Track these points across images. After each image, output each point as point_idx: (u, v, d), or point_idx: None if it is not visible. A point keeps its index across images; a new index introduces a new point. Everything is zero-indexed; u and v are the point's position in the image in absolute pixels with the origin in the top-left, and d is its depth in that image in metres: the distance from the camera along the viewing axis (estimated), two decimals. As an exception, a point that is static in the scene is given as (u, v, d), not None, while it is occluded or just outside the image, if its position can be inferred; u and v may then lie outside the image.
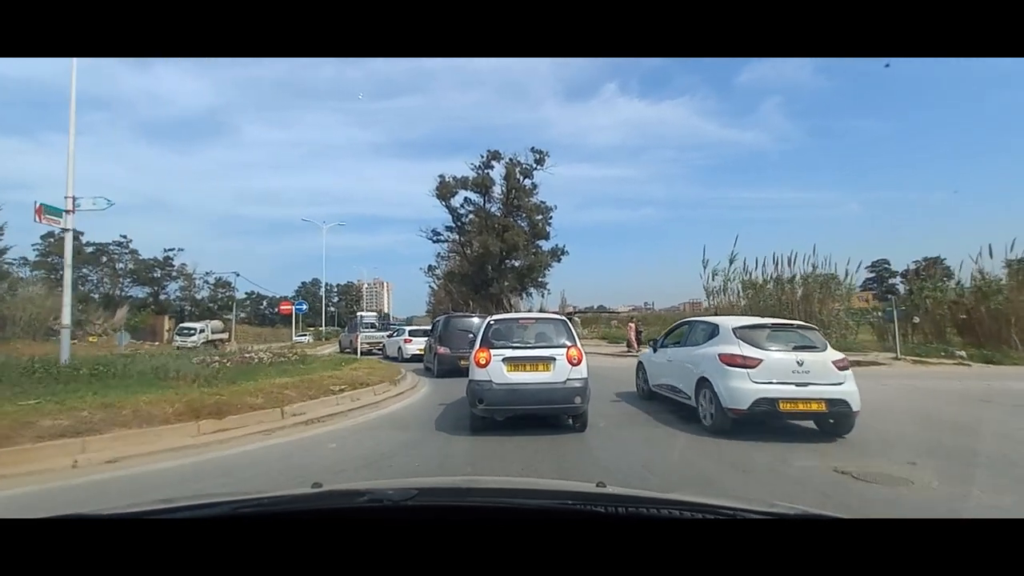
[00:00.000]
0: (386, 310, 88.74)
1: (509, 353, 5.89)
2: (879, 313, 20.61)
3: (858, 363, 15.08)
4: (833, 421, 5.68)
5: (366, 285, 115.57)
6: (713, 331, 6.38)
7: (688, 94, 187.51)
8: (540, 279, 32.33)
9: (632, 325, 22.52)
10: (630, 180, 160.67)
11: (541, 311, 27.26)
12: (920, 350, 16.38)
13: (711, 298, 22.19)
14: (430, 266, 36.72)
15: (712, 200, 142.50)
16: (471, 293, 31.87)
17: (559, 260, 32.63)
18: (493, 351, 5.90)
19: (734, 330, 6.02)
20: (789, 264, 20.42)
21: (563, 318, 6.82)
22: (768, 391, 5.48)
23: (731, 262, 21.62)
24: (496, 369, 5.80)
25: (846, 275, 20.02)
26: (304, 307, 31.29)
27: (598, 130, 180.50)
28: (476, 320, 12.23)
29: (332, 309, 74.81)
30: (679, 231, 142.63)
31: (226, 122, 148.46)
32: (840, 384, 5.53)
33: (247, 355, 11.03)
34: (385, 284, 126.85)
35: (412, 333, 16.72)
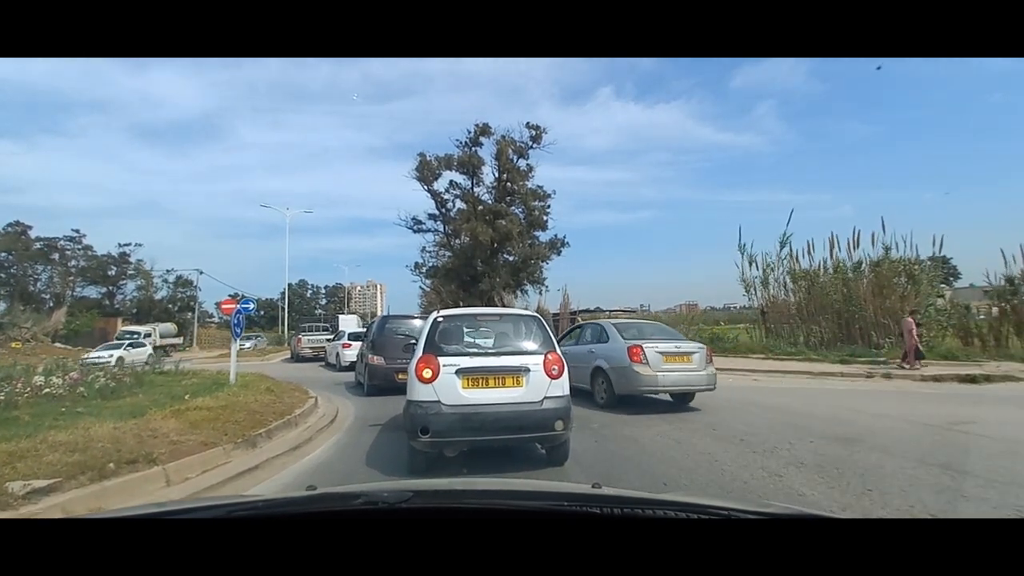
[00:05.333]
0: (379, 312, 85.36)
1: (465, 363, 4.27)
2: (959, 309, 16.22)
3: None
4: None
5: (358, 288, 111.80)
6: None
7: (683, 97, 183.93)
8: (537, 274, 27.69)
9: (911, 321, 11.90)
10: (626, 183, 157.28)
11: (539, 311, 22.89)
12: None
13: (752, 293, 17.70)
14: (416, 263, 31.44)
15: (707, 203, 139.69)
16: (459, 291, 27.26)
17: (559, 253, 27.88)
18: (442, 360, 4.25)
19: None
20: (853, 247, 15.99)
21: (536, 315, 5.15)
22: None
23: (782, 246, 17.12)
24: (446, 385, 4.16)
25: (944, 260, 15.65)
26: (251, 306, 26.85)
27: (593, 133, 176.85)
28: (419, 322, 8.70)
29: (320, 311, 72.36)
30: (674, 234, 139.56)
31: (221, 124, 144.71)
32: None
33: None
34: (379, 286, 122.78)
35: (352, 337, 13.57)
